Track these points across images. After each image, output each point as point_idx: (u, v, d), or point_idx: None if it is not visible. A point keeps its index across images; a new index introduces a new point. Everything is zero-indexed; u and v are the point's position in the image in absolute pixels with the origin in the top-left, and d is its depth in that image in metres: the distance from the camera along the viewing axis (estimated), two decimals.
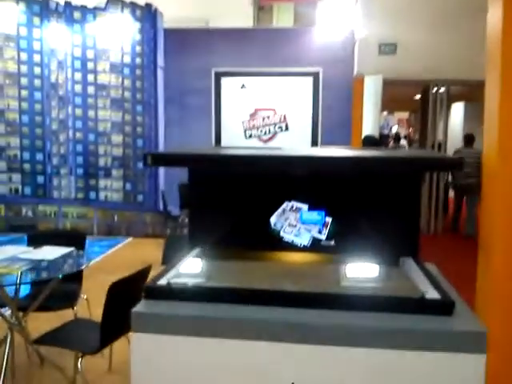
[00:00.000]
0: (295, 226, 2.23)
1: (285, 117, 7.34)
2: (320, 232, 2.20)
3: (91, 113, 7.79)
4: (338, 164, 2.01)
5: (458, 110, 12.75)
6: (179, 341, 1.72)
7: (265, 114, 7.35)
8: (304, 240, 2.21)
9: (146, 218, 7.67)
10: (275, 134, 7.35)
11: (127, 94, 7.72)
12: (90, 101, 7.77)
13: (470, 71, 7.23)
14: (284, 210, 2.23)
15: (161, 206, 7.17)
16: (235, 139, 7.35)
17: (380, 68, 7.47)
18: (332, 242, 2.19)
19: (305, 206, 2.22)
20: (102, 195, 7.81)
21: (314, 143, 7.15)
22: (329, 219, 2.20)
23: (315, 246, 2.20)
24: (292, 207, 2.23)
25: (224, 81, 7.39)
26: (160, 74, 7.69)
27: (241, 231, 2.25)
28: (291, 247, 2.24)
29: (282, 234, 2.22)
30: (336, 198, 2.20)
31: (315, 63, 7.24)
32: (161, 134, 7.76)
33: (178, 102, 7.74)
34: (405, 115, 20.67)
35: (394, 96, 9.96)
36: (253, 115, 7.39)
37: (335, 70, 7.25)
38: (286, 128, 7.33)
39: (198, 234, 2.40)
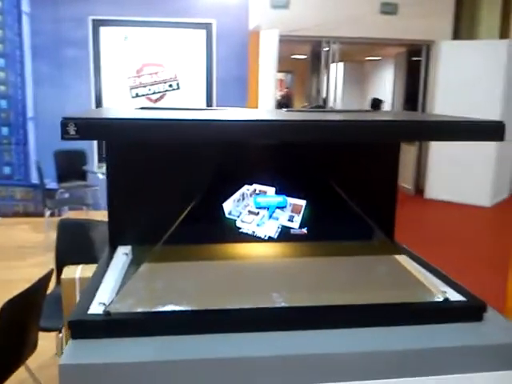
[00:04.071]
0: (257, 213, 1.74)
1: (175, 74, 6.63)
2: (291, 220, 1.74)
3: None
4: (330, 132, 1.52)
5: (337, 69, 12.87)
6: None
7: (153, 70, 6.57)
8: (269, 231, 1.74)
9: (15, 194, 6.60)
10: (165, 92, 6.63)
11: None
12: None
13: (365, 29, 7.12)
14: (244, 195, 1.73)
15: (33, 179, 6.15)
16: (119, 99, 6.50)
17: (274, 23, 7.01)
18: (304, 230, 1.75)
19: (271, 190, 1.73)
20: None
21: (209, 104, 6.58)
22: (302, 202, 1.73)
23: (282, 235, 1.74)
24: (254, 191, 1.73)
25: (103, 31, 6.43)
26: (26, 21, 6.67)
27: (185, 221, 1.69)
28: (251, 238, 1.74)
29: (239, 224, 1.72)
30: (311, 175, 1.73)
31: (207, 15, 6.57)
32: (29, 93, 6.75)
33: (50, 56, 6.66)
34: (277, 75, 20.40)
35: None
36: (139, 71, 6.57)
37: (229, 23, 6.66)
38: (178, 86, 6.63)
39: (124, 228, 1.81)
